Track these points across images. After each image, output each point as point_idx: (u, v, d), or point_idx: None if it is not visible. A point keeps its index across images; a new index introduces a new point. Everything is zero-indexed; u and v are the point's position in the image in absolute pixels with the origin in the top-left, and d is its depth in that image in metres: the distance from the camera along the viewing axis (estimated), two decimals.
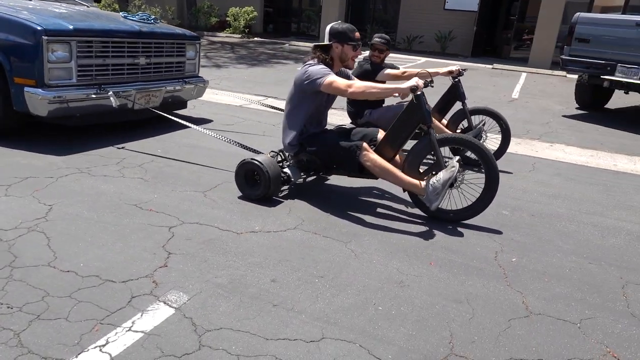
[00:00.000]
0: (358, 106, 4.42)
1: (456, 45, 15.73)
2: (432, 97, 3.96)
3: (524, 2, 15.98)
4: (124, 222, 2.78)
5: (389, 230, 2.95)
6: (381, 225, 3.02)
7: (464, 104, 4.38)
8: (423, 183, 3.05)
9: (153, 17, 4.91)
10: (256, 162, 3.17)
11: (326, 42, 3.26)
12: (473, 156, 3.84)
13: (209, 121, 5.38)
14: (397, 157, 3.24)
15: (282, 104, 5.60)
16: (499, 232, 3.04)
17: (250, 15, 16.39)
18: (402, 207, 3.36)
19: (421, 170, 3.15)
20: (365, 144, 3.12)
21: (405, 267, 2.52)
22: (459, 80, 4.37)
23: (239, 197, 3.26)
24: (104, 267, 2.30)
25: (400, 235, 2.89)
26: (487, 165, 3.04)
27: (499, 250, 2.79)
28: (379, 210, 3.28)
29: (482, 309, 2.20)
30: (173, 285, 2.19)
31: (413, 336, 1.98)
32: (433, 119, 3.84)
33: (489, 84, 10.25)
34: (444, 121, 4.56)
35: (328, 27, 3.28)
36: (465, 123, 4.47)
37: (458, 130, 4.54)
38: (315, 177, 3.69)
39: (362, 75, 4.46)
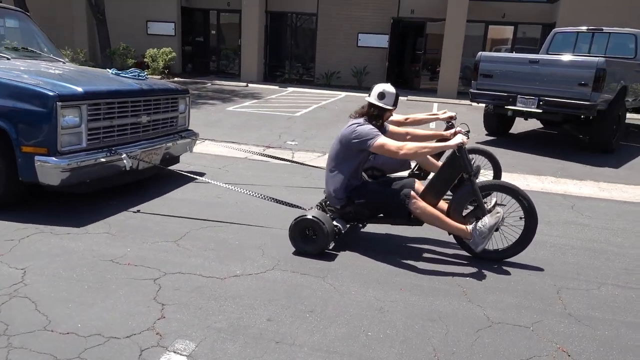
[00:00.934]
0: None
1: (371, 79, 16.77)
2: None
3: (428, 38, 17.49)
4: (106, 278, 2.83)
5: (358, 262, 3.25)
6: (349, 257, 3.32)
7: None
8: (469, 227, 3.30)
9: (143, 73, 4.76)
10: (315, 218, 3.25)
11: (385, 104, 3.44)
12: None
13: (202, 174, 5.20)
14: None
15: (240, 148, 5.77)
16: (452, 255, 3.46)
17: (169, 56, 16.34)
18: (365, 239, 3.69)
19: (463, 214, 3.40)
20: (413, 193, 3.31)
21: (381, 295, 2.82)
22: (453, 124, 4.58)
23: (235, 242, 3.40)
24: (102, 325, 2.36)
25: (369, 266, 3.20)
26: (526, 207, 3.32)
27: (455, 272, 3.19)
28: (342, 243, 3.57)
29: (453, 324, 2.55)
30: (177, 335, 2.31)
31: (403, 354, 2.27)
32: (433, 160, 4.38)
33: (405, 115, 11.09)
34: (440, 162, 4.67)
35: (393, 89, 3.49)
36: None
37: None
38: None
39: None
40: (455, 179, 3.42)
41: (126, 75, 4.63)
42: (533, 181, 5.79)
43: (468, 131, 3.65)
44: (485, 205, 3.38)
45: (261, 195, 4.00)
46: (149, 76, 5.05)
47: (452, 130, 3.62)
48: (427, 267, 3.24)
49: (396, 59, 17.55)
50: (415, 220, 3.37)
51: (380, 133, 3.35)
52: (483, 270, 3.22)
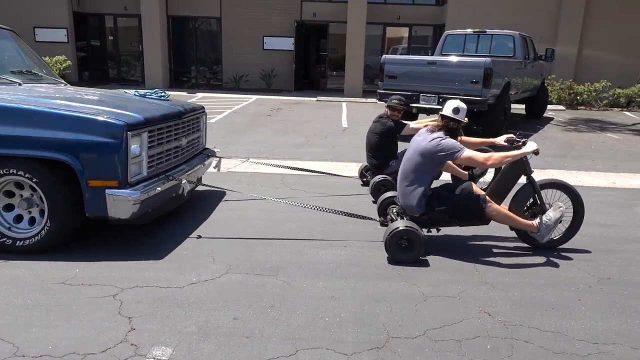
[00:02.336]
0: (383, 159, 5.20)
1: (280, 81, 17.12)
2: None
3: (331, 39, 18.19)
4: (63, 300, 2.85)
5: (302, 259, 3.55)
6: (294, 256, 3.61)
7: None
8: (535, 222, 3.71)
9: (166, 93, 4.49)
10: (411, 228, 3.45)
11: (460, 118, 3.70)
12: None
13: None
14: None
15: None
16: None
17: (64, 65, 15.38)
18: (304, 236, 4.00)
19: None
20: (488, 197, 3.66)
21: (330, 285, 3.15)
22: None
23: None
24: (74, 344, 2.43)
25: (314, 261, 3.52)
26: (575, 199, 3.83)
27: (390, 258, 3.62)
28: (283, 242, 3.85)
29: (395, 302, 2.96)
30: (152, 343, 2.46)
31: (359, 332, 2.63)
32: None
33: (319, 116, 11.58)
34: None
35: (464, 105, 3.76)
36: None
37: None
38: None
39: (389, 133, 5.24)
40: (517, 180, 3.84)
41: (152, 96, 4.45)
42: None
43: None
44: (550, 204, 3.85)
45: (330, 209, 4.09)
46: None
47: (504, 137, 4.02)
48: (365, 256, 3.63)
49: (302, 61, 18.04)
50: (485, 220, 3.71)
51: (462, 145, 3.64)
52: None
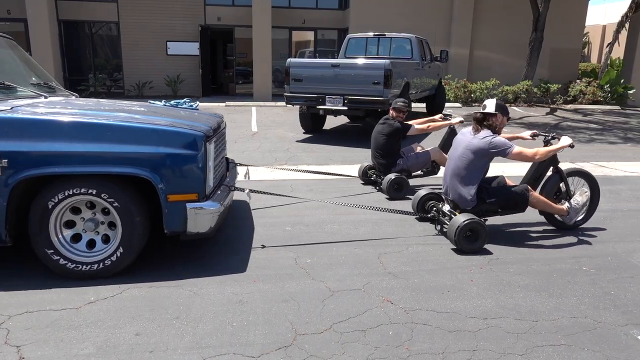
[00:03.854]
0: (391, 158, 5.57)
1: (187, 87, 16.66)
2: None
3: (238, 44, 18.03)
4: None
5: (207, 266, 3.49)
6: (197, 263, 3.54)
7: None
8: (565, 206, 4.25)
9: (196, 103, 4.19)
10: (478, 220, 3.81)
11: (492, 111, 3.98)
12: None
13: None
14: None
15: None
16: (290, 245, 3.93)
17: None
18: (207, 245, 3.93)
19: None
20: (529, 187, 4.09)
21: (237, 290, 3.13)
22: (455, 127, 5.73)
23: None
24: None
25: (220, 267, 3.47)
26: (593, 184, 4.45)
27: (297, 257, 3.67)
28: (183, 251, 3.76)
29: (303, 300, 3.01)
30: None
31: (267, 333, 2.64)
32: (441, 152, 5.61)
33: (228, 121, 11.38)
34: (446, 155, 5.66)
35: (503, 102, 4.09)
36: None
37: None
38: None
39: (396, 133, 5.59)
40: (547, 170, 4.35)
41: (184, 106, 4.13)
42: (350, 170, 6.66)
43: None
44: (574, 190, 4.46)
45: (371, 207, 4.42)
46: None
47: (529, 132, 4.53)
48: (272, 258, 3.65)
49: (210, 66, 17.70)
50: (525, 208, 4.12)
51: (512, 143, 3.97)
52: (318, 252, 3.77)
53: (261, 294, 3.08)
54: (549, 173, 4.39)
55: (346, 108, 8.75)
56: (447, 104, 14.51)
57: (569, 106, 15.83)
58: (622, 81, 16.74)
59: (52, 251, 3.16)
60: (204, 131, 3.31)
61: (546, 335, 2.67)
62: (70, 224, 3.24)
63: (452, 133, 5.81)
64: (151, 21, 16.41)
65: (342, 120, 11.60)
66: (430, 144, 6.95)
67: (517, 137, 4.59)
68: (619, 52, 18.63)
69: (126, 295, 3.04)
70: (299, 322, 2.75)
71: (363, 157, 7.61)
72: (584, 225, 4.50)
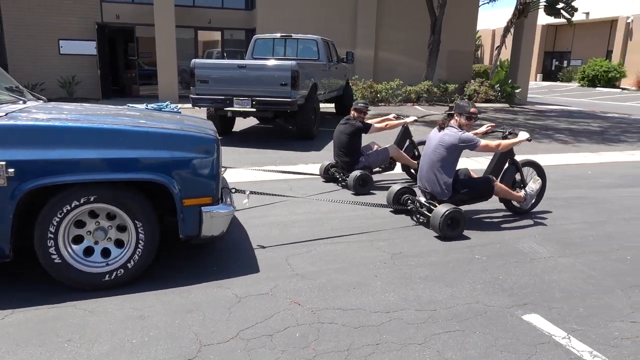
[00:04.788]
0: (353, 156, 5.90)
1: (84, 89, 15.56)
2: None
3: (140, 43, 17.17)
4: None
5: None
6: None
7: (412, 140, 6.39)
8: (522, 193, 4.82)
9: (177, 106, 4.10)
10: (458, 209, 4.22)
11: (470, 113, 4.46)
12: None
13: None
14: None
15: None
16: (197, 252, 3.81)
17: None
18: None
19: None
20: (494, 177, 4.63)
21: (138, 304, 2.97)
22: (408, 126, 6.33)
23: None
24: None
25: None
26: (541, 173, 5.05)
27: (205, 263, 3.56)
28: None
29: (208, 309, 2.93)
30: None
31: (169, 348, 2.53)
32: (398, 149, 6.11)
33: None
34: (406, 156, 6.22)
35: (466, 101, 4.62)
36: (415, 152, 6.39)
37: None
38: None
39: (358, 132, 5.93)
40: (506, 162, 4.87)
41: (167, 109, 4.24)
42: (259, 174, 6.61)
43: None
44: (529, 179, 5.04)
45: (357, 202, 4.91)
46: None
47: (484, 128, 5.09)
48: (176, 266, 3.51)
49: (109, 66, 16.68)
50: (491, 196, 4.63)
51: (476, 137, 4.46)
52: (230, 257, 3.69)
53: (163, 306, 2.95)
54: (506, 165, 4.92)
55: (254, 110, 8.67)
56: None
57: None
58: (509, 81, 18.28)
59: (60, 261, 3.02)
60: (215, 134, 3.38)
61: (443, 323, 2.83)
62: (78, 236, 3.12)
63: (405, 131, 6.40)
64: (39, 18, 15.09)
65: (252, 122, 11.50)
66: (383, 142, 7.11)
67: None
68: (507, 54, 20.33)
69: (9, 321, 2.76)
70: (204, 333, 2.67)
71: (273, 158, 7.60)
72: (478, 216, 4.85)
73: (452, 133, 4.38)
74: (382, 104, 16.25)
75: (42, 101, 3.95)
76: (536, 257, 3.87)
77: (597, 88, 28.27)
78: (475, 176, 4.76)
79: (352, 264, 3.65)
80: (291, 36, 11.36)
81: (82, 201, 2.96)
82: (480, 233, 4.40)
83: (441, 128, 4.50)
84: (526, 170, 5.12)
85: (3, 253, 2.90)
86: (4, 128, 2.78)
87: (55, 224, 2.95)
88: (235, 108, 8.72)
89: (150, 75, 17.27)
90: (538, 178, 5.01)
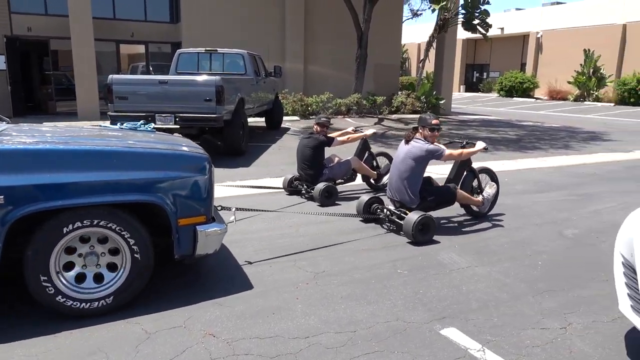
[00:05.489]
0: (317, 169, 6.07)
1: None
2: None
3: (58, 57, 16.20)
4: None
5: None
6: None
7: (370, 152, 6.65)
8: (480, 198, 5.17)
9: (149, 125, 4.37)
10: (429, 215, 4.52)
11: (433, 127, 4.79)
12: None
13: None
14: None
15: None
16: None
17: None
18: None
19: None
20: (455, 186, 4.99)
21: (33, 351, 2.68)
22: (367, 138, 6.62)
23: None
24: None
25: (11, 322, 2.95)
26: (495, 179, 5.50)
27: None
28: None
29: (112, 349, 2.69)
30: None
31: None
32: (359, 161, 6.34)
33: None
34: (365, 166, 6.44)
35: (429, 115, 4.90)
36: (374, 162, 6.64)
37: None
38: None
39: (322, 146, 6.13)
40: (464, 170, 5.19)
41: (141, 129, 4.17)
42: (218, 190, 6.34)
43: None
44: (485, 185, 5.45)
45: (328, 213, 5.22)
46: None
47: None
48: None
49: (22, 82, 15.56)
50: (453, 203, 4.96)
51: (442, 147, 4.81)
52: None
53: (61, 352, 2.68)
54: (465, 173, 5.28)
55: (178, 126, 8.38)
56: (285, 118, 14.93)
57: (393, 116, 17.47)
58: (434, 93, 19.06)
59: (53, 290, 2.89)
60: (205, 152, 3.37)
61: (362, 345, 2.78)
62: (70, 261, 2.99)
63: (365, 143, 6.66)
64: None
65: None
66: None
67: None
68: (432, 67, 21.21)
69: None
70: None
71: None
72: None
73: (418, 145, 4.71)
74: (313, 117, 16.32)
75: (5, 122, 3.71)
76: (455, 267, 3.96)
77: (514, 98, 30.20)
78: (438, 184, 5.11)
79: (272, 287, 3.53)
80: (216, 50, 11.16)
81: (75, 225, 2.85)
82: (404, 247, 4.44)
83: (407, 141, 4.81)
84: (482, 177, 5.47)
85: None
86: None
87: (47, 250, 2.83)
88: (158, 125, 8.36)
89: (69, 90, 16.32)
90: (493, 183, 5.44)
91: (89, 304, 2.99)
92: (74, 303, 2.95)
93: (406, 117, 17.40)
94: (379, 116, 17.26)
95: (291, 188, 6.32)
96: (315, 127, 6.28)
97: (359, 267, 3.92)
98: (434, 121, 4.80)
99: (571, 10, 31.22)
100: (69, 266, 2.99)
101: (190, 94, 8.39)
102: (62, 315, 2.96)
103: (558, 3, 33.22)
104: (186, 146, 3.54)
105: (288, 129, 13.52)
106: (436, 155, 4.72)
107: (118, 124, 4.43)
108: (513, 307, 3.27)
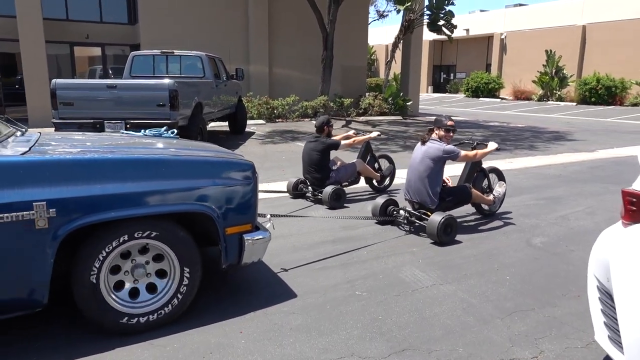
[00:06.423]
0: (324, 172, 6.05)
1: None
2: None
3: (4, 59, 15.32)
4: None
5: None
6: None
7: (373, 154, 6.71)
8: (491, 197, 5.32)
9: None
10: (450, 216, 4.57)
11: (449, 127, 4.86)
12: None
13: None
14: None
15: None
16: None
17: None
18: None
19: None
20: (470, 185, 5.13)
21: None
22: (370, 142, 6.61)
23: None
24: None
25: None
26: (503, 178, 5.70)
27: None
28: None
29: None
30: None
31: None
32: (363, 163, 6.39)
33: None
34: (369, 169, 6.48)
35: (443, 116, 4.96)
36: (376, 165, 6.72)
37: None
38: None
39: (329, 149, 6.09)
40: (476, 171, 5.36)
41: (166, 134, 4.26)
42: None
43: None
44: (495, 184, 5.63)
45: (345, 216, 5.34)
46: None
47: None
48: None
49: None
50: (469, 201, 5.12)
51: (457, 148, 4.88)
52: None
53: None
54: (475, 173, 5.41)
55: (129, 133, 7.85)
56: (250, 121, 14.51)
57: (361, 118, 17.24)
58: (401, 94, 18.94)
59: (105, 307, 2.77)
60: (250, 160, 3.29)
61: None
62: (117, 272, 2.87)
63: (368, 146, 6.68)
64: None
65: None
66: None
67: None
68: (399, 68, 21.11)
69: None
70: None
71: None
72: (371, 245, 4.58)
73: (435, 145, 4.78)
74: (280, 120, 15.95)
75: (21, 131, 3.43)
76: (418, 286, 3.65)
77: (480, 98, 30.52)
78: (452, 184, 5.23)
79: (211, 320, 3.12)
80: (173, 53, 10.66)
81: (125, 238, 2.74)
82: (362, 263, 4.11)
83: (424, 142, 4.88)
84: (491, 177, 5.60)
85: (40, 303, 2.61)
86: (38, 164, 2.57)
87: (97, 265, 2.71)
88: (108, 132, 7.85)
89: (19, 95, 15.45)
90: (502, 182, 5.57)
91: (146, 317, 2.89)
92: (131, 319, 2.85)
93: (373, 119, 17.20)
94: (347, 118, 17.00)
95: (296, 192, 6.27)
96: (325, 129, 6.17)
97: (314, 290, 3.56)
98: (449, 122, 4.87)
99: (533, 12, 31.79)
100: (119, 283, 2.89)
101: (142, 98, 7.91)
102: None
103: (520, 5, 33.77)
104: (229, 152, 3.50)
105: (253, 133, 13.10)
106: (452, 156, 4.77)
107: (142, 131, 4.36)
108: (480, 333, 2.98)
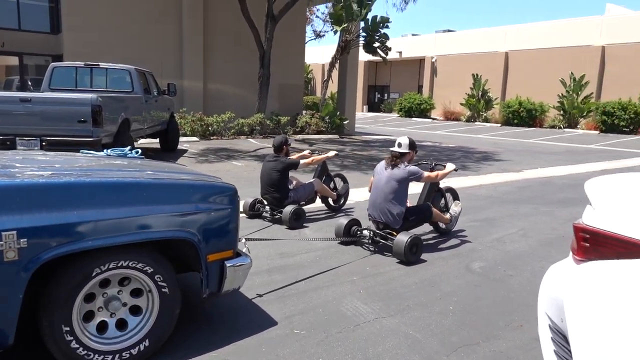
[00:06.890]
0: (283, 192, 5.95)
1: None
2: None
3: None
4: None
5: None
6: None
7: (329, 174, 6.77)
8: (447, 215, 5.45)
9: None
10: (416, 236, 4.70)
11: (407, 150, 5.01)
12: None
13: None
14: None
15: None
16: None
17: None
18: None
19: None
20: (430, 204, 5.27)
21: None
22: (326, 161, 6.64)
23: None
24: None
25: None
26: (457, 198, 5.81)
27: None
28: None
29: None
30: None
31: None
32: (321, 183, 6.41)
33: None
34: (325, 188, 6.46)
35: (406, 139, 5.07)
36: (332, 184, 6.75)
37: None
38: None
39: (289, 169, 5.98)
40: (434, 191, 5.48)
41: (132, 154, 3.98)
42: None
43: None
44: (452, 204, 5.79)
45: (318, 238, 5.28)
46: None
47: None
48: None
49: None
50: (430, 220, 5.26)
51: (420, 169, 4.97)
52: None
53: None
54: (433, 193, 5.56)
55: (43, 151, 7.15)
56: (183, 139, 13.94)
57: (298, 136, 17.12)
58: (338, 113, 19.08)
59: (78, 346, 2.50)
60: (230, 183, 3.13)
61: None
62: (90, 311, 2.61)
63: (324, 165, 6.72)
64: None
65: None
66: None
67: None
68: (336, 87, 21.30)
69: None
70: None
71: None
72: (298, 272, 4.33)
73: (402, 167, 4.88)
74: (214, 137, 15.45)
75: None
76: (360, 321, 3.44)
77: (413, 118, 31.53)
78: (412, 204, 5.25)
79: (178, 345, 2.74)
80: (99, 65, 9.98)
81: (105, 267, 2.51)
82: (302, 295, 3.85)
83: (393, 164, 4.95)
84: (447, 196, 5.77)
85: (6, 342, 2.33)
86: (6, 188, 2.28)
87: (70, 301, 2.44)
88: (20, 149, 7.11)
89: None
90: (459, 202, 5.72)
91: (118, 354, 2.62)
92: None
93: (310, 138, 17.14)
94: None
95: (253, 211, 6.18)
96: (284, 148, 6.13)
97: (245, 328, 3.25)
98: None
99: (461, 38, 33.53)
100: (89, 315, 2.62)
101: (60, 114, 7.27)
102: None
103: (449, 31, 35.52)
104: (207, 175, 3.30)
105: (186, 150, 12.55)
106: (417, 177, 4.91)
107: (105, 150, 4.09)
108: None
